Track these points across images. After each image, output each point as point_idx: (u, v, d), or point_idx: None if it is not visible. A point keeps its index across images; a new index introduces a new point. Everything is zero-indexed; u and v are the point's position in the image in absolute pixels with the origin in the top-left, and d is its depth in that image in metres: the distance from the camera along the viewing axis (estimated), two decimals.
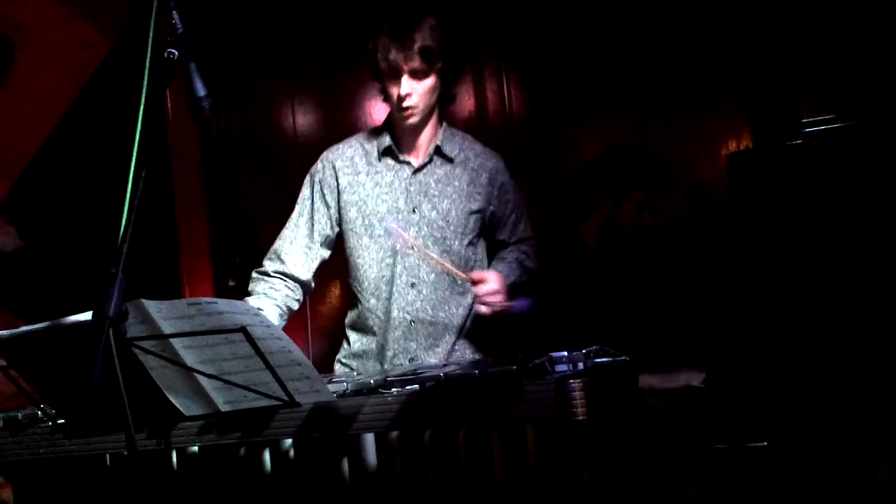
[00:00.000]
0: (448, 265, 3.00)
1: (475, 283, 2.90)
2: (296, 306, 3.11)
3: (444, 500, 2.25)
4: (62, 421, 2.43)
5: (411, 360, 3.07)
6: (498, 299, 2.89)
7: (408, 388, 2.31)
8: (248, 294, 3.09)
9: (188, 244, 4.74)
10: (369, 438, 2.32)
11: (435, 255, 3.00)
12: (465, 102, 4.55)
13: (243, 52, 4.83)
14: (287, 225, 3.18)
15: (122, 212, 1.90)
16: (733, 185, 3.54)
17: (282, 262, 3.11)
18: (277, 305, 3.03)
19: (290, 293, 3.09)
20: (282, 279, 3.09)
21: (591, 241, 3.67)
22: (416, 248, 3.00)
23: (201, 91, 2.19)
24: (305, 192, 3.17)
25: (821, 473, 3.24)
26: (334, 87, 4.70)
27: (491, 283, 2.89)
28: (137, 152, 1.93)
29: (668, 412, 3.40)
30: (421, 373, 2.35)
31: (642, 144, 3.84)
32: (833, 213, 3.28)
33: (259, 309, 2.92)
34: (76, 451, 2.59)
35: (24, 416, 2.64)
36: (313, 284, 3.18)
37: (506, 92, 4.53)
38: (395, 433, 2.29)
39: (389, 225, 3.00)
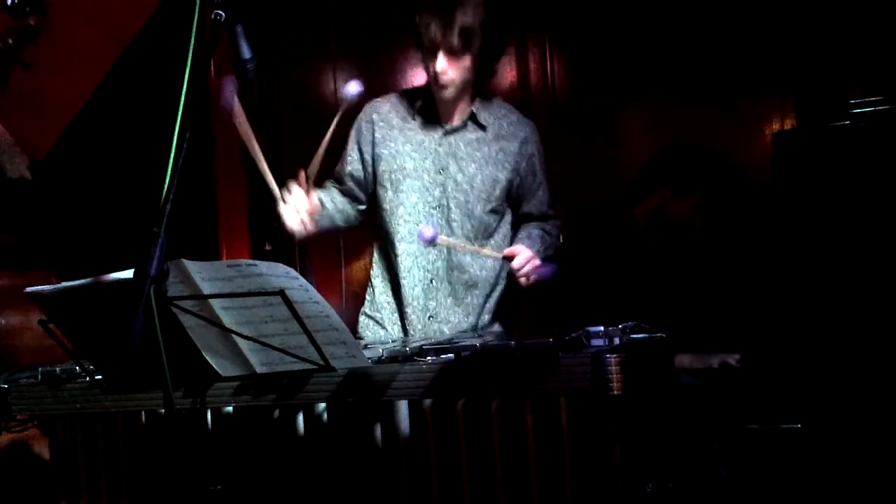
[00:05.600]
0: (480, 249, 3.03)
1: (508, 258, 2.92)
2: (355, 220, 3.26)
3: (475, 468, 2.26)
4: (100, 377, 2.46)
5: (430, 318, 3.09)
6: (532, 267, 2.91)
7: (443, 356, 2.31)
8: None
9: (227, 207, 4.77)
10: (403, 405, 2.33)
11: (469, 246, 3.03)
12: (507, 74, 4.52)
13: (286, 18, 4.82)
14: (341, 165, 3.24)
15: (165, 172, 1.91)
16: (778, 164, 3.50)
17: (342, 183, 3.23)
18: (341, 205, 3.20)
19: (350, 202, 3.23)
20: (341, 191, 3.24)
21: (641, 223, 3.64)
22: (448, 243, 3.03)
23: (247, 53, 2.20)
24: (350, 142, 3.22)
25: (854, 458, 3.21)
26: (376, 54, 4.69)
27: (523, 254, 2.91)
28: (182, 113, 1.94)
29: (703, 391, 3.38)
30: (457, 342, 2.35)
31: (686, 121, 3.80)
32: (878, 196, 3.24)
33: (324, 208, 3.08)
34: (112, 408, 2.62)
35: (62, 370, 2.67)
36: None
37: (549, 65, 4.50)
38: (428, 401, 2.30)
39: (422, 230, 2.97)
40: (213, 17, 2.10)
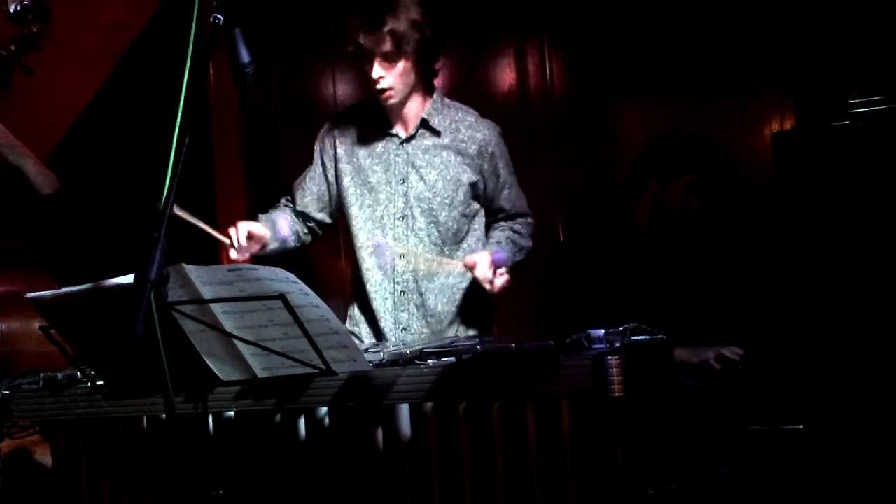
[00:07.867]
0: (440, 261, 3.03)
1: (470, 268, 2.90)
2: (306, 238, 3.25)
3: (476, 472, 2.26)
4: (101, 382, 2.46)
5: (403, 330, 3.08)
6: (494, 273, 2.87)
7: (444, 359, 2.31)
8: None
9: (227, 211, 4.76)
10: (404, 409, 2.33)
11: (427, 256, 3.03)
12: (506, 76, 4.52)
13: (285, 20, 4.82)
14: (301, 180, 3.23)
15: (164, 177, 1.90)
16: (778, 164, 3.50)
17: (294, 202, 3.23)
18: (290, 216, 3.18)
19: (301, 221, 3.22)
20: (294, 211, 3.22)
21: (641, 220, 3.64)
22: (407, 255, 3.04)
23: (245, 57, 2.19)
24: (315, 156, 3.20)
25: (856, 459, 3.21)
26: None
27: (483, 262, 2.87)
28: (181, 118, 1.94)
29: (704, 392, 3.38)
30: (457, 345, 2.35)
31: (686, 122, 3.80)
32: (878, 195, 3.23)
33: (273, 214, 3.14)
34: (114, 413, 2.62)
35: (63, 376, 2.67)
36: (322, 231, 3.29)
37: (548, 66, 4.49)
38: (429, 404, 2.30)
39: (378, 241, 3.04)
40: (211, 20, 2.10)
